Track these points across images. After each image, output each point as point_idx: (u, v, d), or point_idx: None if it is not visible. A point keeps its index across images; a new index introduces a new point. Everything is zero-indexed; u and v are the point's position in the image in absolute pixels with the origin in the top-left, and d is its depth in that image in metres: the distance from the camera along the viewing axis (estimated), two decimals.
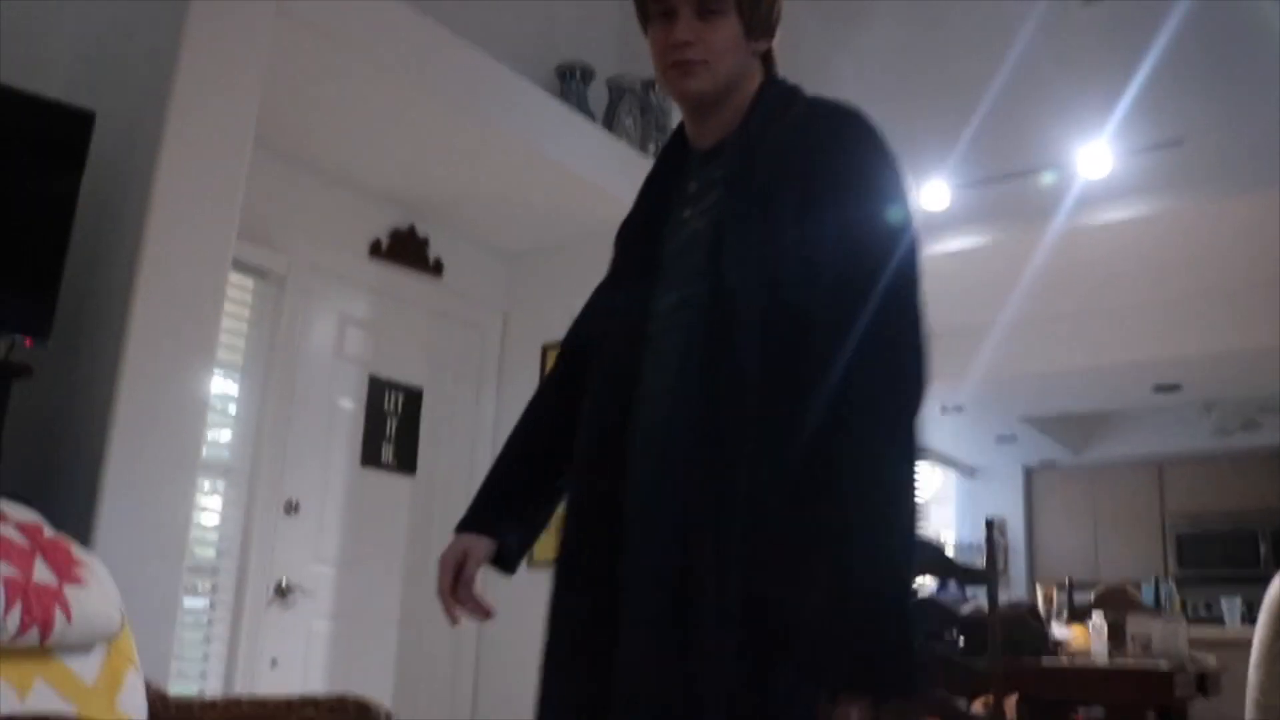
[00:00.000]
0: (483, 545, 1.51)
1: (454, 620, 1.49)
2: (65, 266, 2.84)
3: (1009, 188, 4.72)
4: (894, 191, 1.37)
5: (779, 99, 1.48)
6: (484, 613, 1.50)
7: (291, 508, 3.99)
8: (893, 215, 1.35)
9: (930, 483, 8.49)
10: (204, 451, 3.20)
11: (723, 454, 1.24)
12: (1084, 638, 3.97)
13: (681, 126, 1.56)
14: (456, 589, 1.48)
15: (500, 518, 1.54)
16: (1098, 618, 3.92)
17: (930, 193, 4.88)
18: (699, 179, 1.47)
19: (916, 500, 1.24)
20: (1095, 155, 4.40)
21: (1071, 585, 5.12)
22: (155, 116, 2.96)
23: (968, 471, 8.75)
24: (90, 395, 2.84)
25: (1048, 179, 4.57)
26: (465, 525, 1.54)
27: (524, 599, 4.56)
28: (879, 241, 1.32)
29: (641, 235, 1.51)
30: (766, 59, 1.52)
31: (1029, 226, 4.69)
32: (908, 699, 1.16)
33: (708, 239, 1.37)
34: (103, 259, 2.99)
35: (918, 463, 1.27)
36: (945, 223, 4.91)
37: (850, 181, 1.36)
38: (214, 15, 3.05)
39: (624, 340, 1.41)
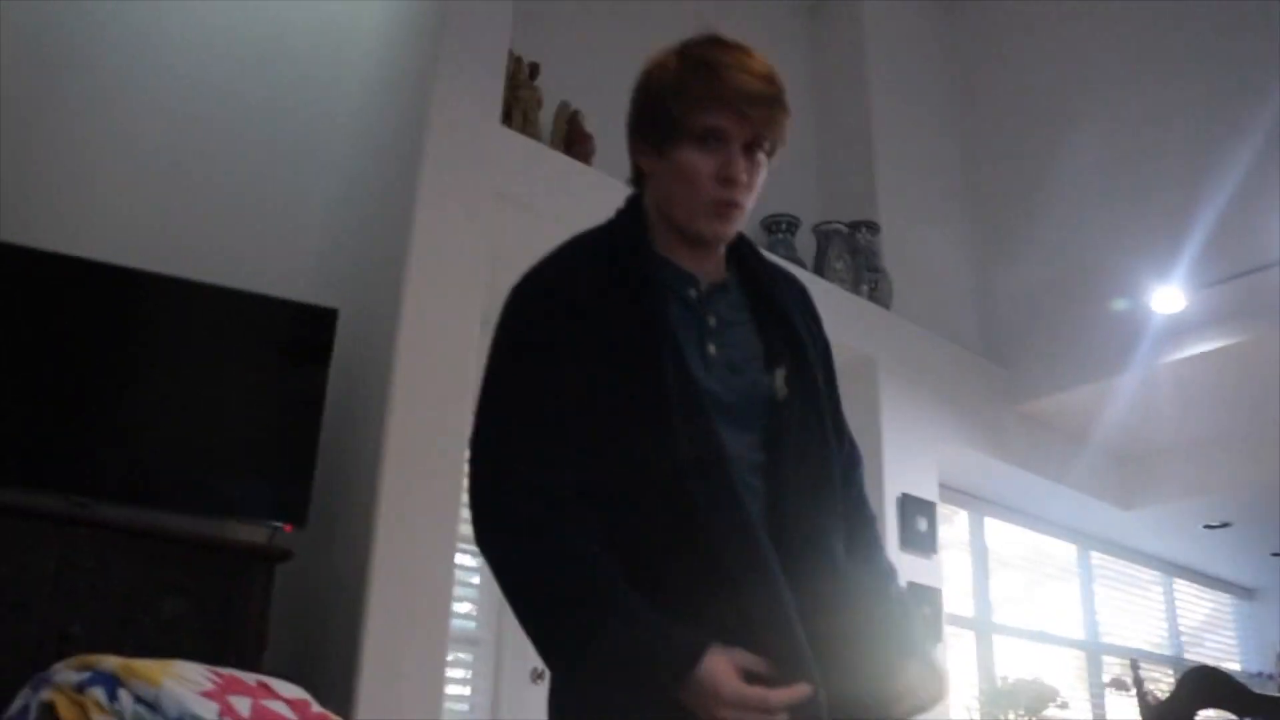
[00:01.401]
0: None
1: None
2: (318, 455, 3.02)
3: (1252, 282, 4.46)
4: None
5: (748, 241, 1.56)
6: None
7: (538, 676, 4.02)
8: None
9: (1196, 606, 7.86)
10: (452, 624, 3.28)
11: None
12: None
13: (647, 242, 1.49)
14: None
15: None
16: None
17: (1163, 297, 4.67)
18: (714, 313, 1.46)
19: None
20: None
21: None
22: (391, 307, 3.15)
23: (1244, 593, 8.05)
24: (346, 575, 2.97)
25: None
26: (701, 644, 1.25)
27: None
28: None
29: (661, 357, 1.37)
30: None
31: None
32: None
33: (800, 404, 1.44)
34: (350, 445, 3.15)
35: None
36: (1184, 326, 4.67)
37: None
38: (440, 206, 3.26)
39: (720, 472, 1.34)
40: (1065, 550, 6.48)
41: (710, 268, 1.49)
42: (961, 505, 5.62)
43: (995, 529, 5.85)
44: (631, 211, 1.53)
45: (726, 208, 1.43)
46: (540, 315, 1.45)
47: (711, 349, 1.43)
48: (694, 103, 1.41)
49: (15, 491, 2.70)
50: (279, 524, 2.95)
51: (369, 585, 2.84)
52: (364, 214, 3.52)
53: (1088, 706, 6.11)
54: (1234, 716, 3.28)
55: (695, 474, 1.32)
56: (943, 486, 4.98)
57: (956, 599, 5.32)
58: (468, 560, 4.02)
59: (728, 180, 1.41)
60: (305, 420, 3.04)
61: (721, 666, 1.23)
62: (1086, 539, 6.55)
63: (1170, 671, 6.88)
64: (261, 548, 2.91)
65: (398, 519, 2.96)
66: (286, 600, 2.93)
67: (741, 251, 1.54)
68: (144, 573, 2.75)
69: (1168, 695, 3.17)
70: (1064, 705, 5.42)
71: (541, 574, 1.31)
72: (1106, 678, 6.29)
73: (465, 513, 3.57)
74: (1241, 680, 3.18)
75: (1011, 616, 5.85)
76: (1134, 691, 3.57)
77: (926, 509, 4.62)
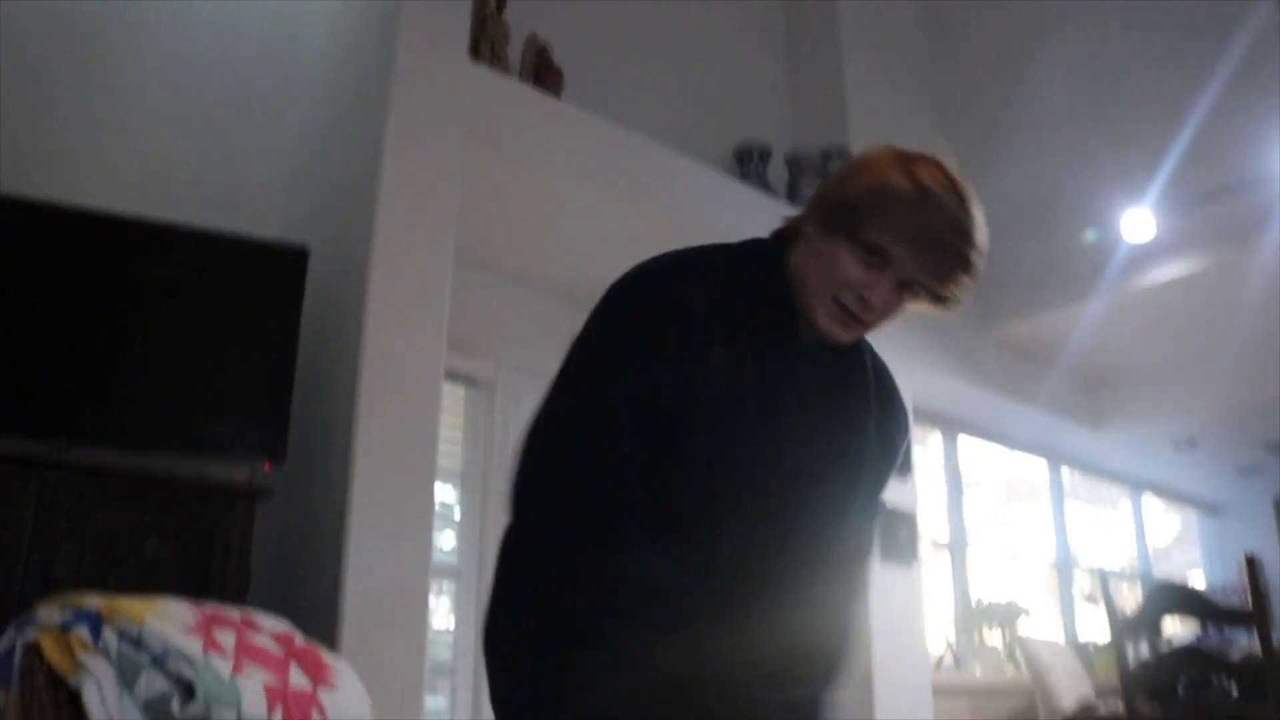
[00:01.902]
0: None
1: None
2: (294, 392, 3.03)
3: (1222, 206, 4.49)
4: None
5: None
6: None
7: None
8: None
9: (1167, 525, 8.01)
10: (433, 557, 3.32)
11: None
12: None
13: (790, 301, 1.46)
14: None
15: None
16: None
17: (1133, 222, 4.69)
18: (810, 378, 1.47)
19: None
20: None
21: None
22: (362, 244, 3.14)
23: (1209, 510, 8.22)
24: (326, 511, 3.00)
25: (1261, 193, 4.33)
26: None
27: None
28: None
29: (762, 391, 1.43)
30: None
31: (1248, 244, 4.43)
32: None
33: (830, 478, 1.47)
34: (325, 380, 3.16)
35: None
36: (1154, 252, 4.71)
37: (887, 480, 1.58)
38: (410, 142, 3.24)
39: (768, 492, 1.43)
40: (1037, 471, 6.58)
41: (814, 338, 1.48)
42: (935, 428, 5.69)
43: (969, 451, 5.93)
44: (776, 258, 1.50)
45: (849, 319, 1.42)
46: (654, 318, 1.42)
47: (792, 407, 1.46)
48: (881, 220, 1.37)
49: None
50: (258, 462, 2.96)
51: (349, 520, 2.86)
52: (333, 152, 3.49)
53: (1060, 620, 6.25)
54: (1197, 624, 3.37)
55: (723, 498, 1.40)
56: (916, 410, 5.04)
57: (931, 521, 5.41)
58: (448, 494, 4.07)
59: (862, 300, 1.39)
60: (280, 357, 3.04)
61: None
62: (1057, 459, 6.66)
63: (1139, 586, 7.04)
64: (241, 486, 2.93)
65: (375, 454, 2.98)
66: (268, 537, 2.95)
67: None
68: (124, 514, 2.77)
69: (1136, 608, 3.26)
70: (1035, 620, 5.56)
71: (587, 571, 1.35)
72: (1077, 593, 6.44)
73: (443, 446, 3.62)
74: (1205, 593, 3.26)
75: (985, 536, 5.95)
76: (1103, 605, 3.66)
77: None
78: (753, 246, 1.53)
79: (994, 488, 6.27)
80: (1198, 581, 7.82)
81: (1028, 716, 4.90)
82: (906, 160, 1.41)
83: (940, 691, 4.65)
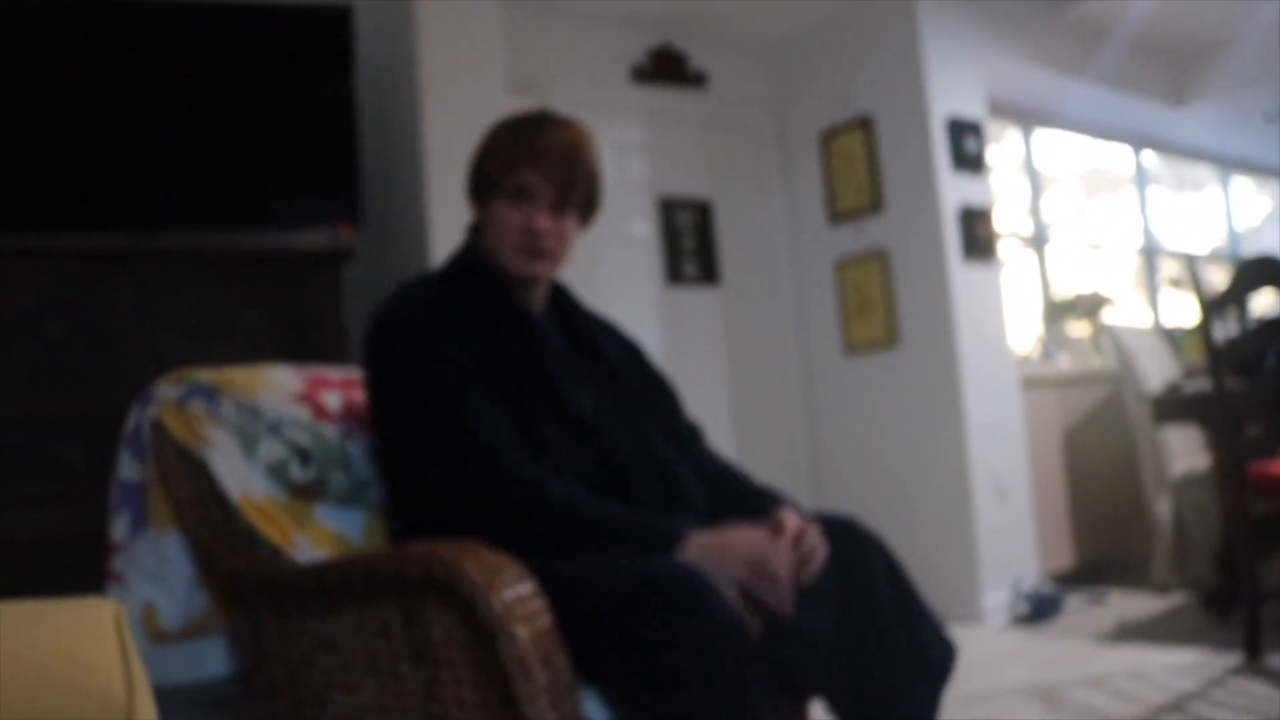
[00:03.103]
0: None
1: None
2: (361, 155, 3.03)
3: None
4: None
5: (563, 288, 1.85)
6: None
7: None
8: None
9: (1256, 202, 7.77)
10: None
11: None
12: None
13: (499, 279, 1.70)
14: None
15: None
16: None
17: None
18: (549, 340, 1.70)
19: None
20: None
21: None
22: None
23: None
24: (409, 267, 3.06)
25: None
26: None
27: (844, 385, 4.60)
28: None
29: (521, 369, 1.64)
30: None
31: None
32: None
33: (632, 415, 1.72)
34: (391, 138, 3.16)
35: None
36: None
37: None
38: None
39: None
40: (1119, 157, 6.39)
41: (536, 304, 1.75)
42: (1012, 121, 5.51)
43: (1048, 143, 5.76)
44: (475, 254, 1.74)
45: (532, 252, 1.67)
46: (421, 330, 1.63)
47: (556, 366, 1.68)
48: (508, 163, 1.66)
49: (82, 236, 2.79)
50: (337, 226, 3.01)
51: None
52: None
53: (1146, 308, 6.22)
54: None
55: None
56: (992, 104, 4.89)
57: (1013, 217, 5.34)
58: None
59: (530, 230, 1.65)
60: (341, 121, 3.03)
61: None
62: (1140, 142, 6.44)
63: (1228, 268, 6.92)
64: (324, 251, 2.99)
65: (448, 203, 3.01)
66: (359, 298, 3.04)
67: (559, 295, 1.82)
68: (217, 292, 2.86)
69: (1223, 285, 3.22)
70: (1121, 310, 5.54)
71: (560, 520, 1.48)
72: (1164, 280, 6.37)
73: None
74: None
75: (1067, 230, 5.86)
76: (1190, 288, 3.63)
77: (974, 129, 4.55)
78: (462, 263, 1.77)
79: (1074, 181, 6.11)
80: None
81: (1115, 402, 4.96)
82: (511, 118, 1.73)
83: (1029, 385, 4.72)
